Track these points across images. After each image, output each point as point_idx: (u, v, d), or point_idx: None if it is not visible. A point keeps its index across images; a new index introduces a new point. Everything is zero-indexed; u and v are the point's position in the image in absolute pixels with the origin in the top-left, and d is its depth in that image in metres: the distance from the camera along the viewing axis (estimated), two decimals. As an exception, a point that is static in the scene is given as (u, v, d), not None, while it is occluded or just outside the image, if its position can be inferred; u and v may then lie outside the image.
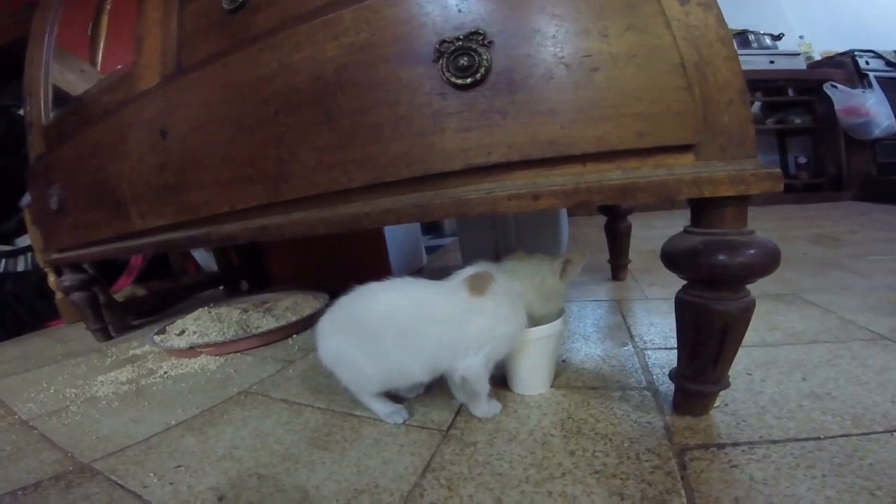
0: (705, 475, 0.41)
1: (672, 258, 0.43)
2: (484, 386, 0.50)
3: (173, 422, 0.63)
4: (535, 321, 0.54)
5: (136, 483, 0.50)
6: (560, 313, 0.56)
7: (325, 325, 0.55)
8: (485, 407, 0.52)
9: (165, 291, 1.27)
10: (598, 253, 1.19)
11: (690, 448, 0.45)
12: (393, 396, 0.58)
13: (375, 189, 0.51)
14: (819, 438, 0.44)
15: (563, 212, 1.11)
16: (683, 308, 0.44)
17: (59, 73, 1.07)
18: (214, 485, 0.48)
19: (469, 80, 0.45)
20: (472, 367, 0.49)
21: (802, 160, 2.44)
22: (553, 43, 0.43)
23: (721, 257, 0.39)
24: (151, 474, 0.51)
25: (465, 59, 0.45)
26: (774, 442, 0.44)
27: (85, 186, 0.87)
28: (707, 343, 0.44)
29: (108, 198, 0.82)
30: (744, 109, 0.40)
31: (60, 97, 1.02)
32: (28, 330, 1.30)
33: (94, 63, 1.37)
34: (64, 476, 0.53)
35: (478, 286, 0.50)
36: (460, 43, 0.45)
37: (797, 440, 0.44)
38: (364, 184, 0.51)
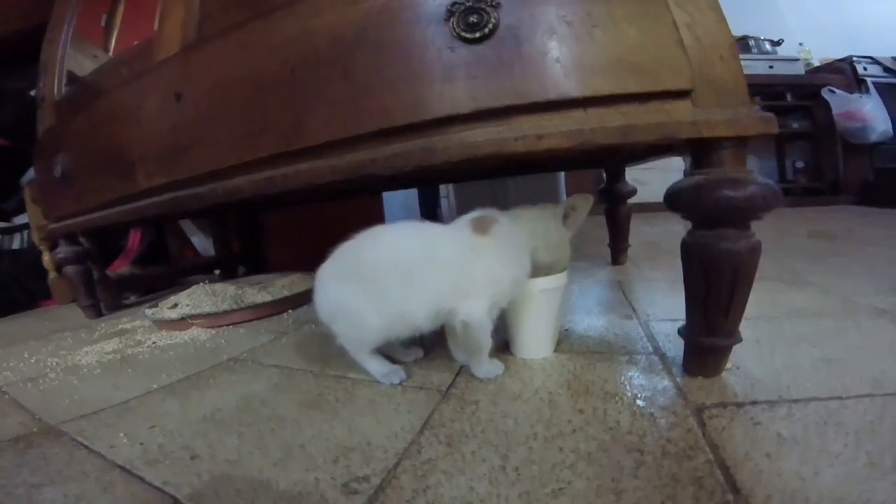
0: (727, 432, 0.35)
1: (675, 196, 0.41)
2: (486, 338, 0.45)
3: (155, 386, 0.56)
4: (540, 274, 0.48)
5: (102, 444, 0.42)
6: (564, 270, 0.51)
7: (324, 272, 0.50)
8: (486, 367, 0.46)
9: (161, 274, 1.19)
10: (597, 244, 1.15)
11: (707, 407, 0.39)
12: (390, 360, 0.51)
13: (384, 135, 0.48)
14: (841, 398, 0.39)
15: (563, 195, 1.07)
16: (690, 253, 0.41)
17: (73, 58, 1.04)
18: (189, 444, 0.40)
19: (478, 35, 0.45)
20: (475, 312, 0.43)
21: (800, 165, 2.35)
22: (556, 4, 0.44)
23: (725, 191, 0.37)
24: (122, 434, 0.44)
25: (475, 16, 0.45)
26: (795, 401, 0.39)
27: (92, 153, 0.83)
28: (717, 288, 0.40)
29: (115, 162, 0.78)
30: (735, 63, 0.40)
31: (72, 81, 0.98)
32: (21, 309, 1.21)
33: (107, 52, 1.33)
34: (25, 437, 0.45)
35: (482, 227, 0.46)
36: (470, 4, 0.44)
37: (819, 399, 0.39)
38: (374, 129, 0.49)
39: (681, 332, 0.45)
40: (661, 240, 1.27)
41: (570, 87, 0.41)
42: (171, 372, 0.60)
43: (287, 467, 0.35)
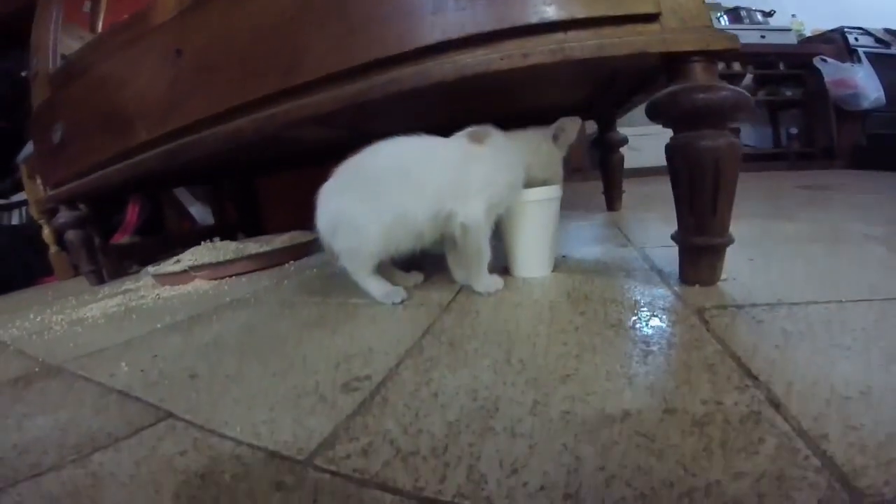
0: (731, 329, 0.33)
1: (655, 104, 0.41)
2: (485, 244, 0.43)
3: (159, 326, 0.53)
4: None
5: (103, 374, 0.40)
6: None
7: (326, 189, 0.48)
8: (486, 280, 0.44)
9: (161, 242, 1.14)
10: (593, 198, 1.11)
11: (707, 308, 0.37)
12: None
13: (380, 65, 0.48)
14: (841, 301, 0.36)
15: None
16: (675, 153, 0.41)
17: (63, 42, 0.98)
18: (189, 366, 0.38)
19: (466, -28, 0.44)
20: (473, 213, 0.42)
21: (794, 131, 2.24)
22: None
23: (700, 95, 0.38)
24: (123, 364, 0.41)
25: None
26: (794, 304, 0.37)
27: (90, 117, 0.79)
28: (701, 183, 0.39)
29: (114, 121, 0.75)
30: None
31: (65, 58, 0.92)
32: (21, 286, 1.15)
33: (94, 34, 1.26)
34: (25, 377, 0.43)
35: (477, 138, 0.46)
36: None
37: (818, 303, 0.37)
38: (371, 59, 0.48)
39: (674, 237, 0.42)
40: (654, 194, 1.23)
41: (551, 13, 0.42)
42: (174, 315, 0.57)
43: (286, 376, 0.33)
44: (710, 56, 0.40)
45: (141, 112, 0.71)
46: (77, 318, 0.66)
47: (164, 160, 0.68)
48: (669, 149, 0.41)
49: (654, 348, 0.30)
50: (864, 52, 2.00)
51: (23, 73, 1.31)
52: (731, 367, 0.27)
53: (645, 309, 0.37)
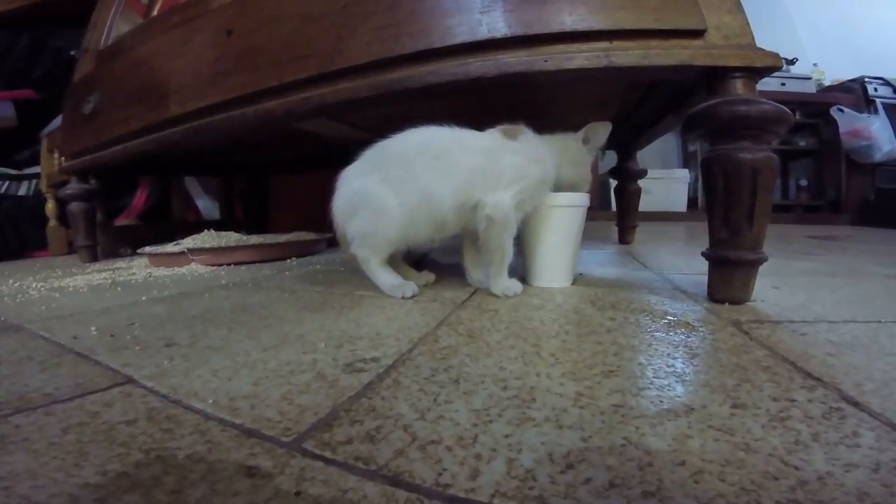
0: (775, 338, 0.29)
1: (695, 115, 0.39)
2: (509, 241, 0.39)
3: (144, 298, 0.47)
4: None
5: (65, 336, 0.34)
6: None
7: (348, 170, 0.44)
8: (505, 282, 0.40)
9: (162, 229, 1.07)
10: (605, 232, 1.08)
11: (744, 322, 0.33)
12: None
13: (423, 56, 0.47)
14: (881, 321, 0.33)
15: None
16: (712, 165, 0.38)
17: (120, 27, 0.99)
18: (168, 335, 0.32)
19: (515, -26, 0.44)
20: (502, 203, 0.38)
21: (803, 183, 2.12)
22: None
23: (741, 108, 0.36)
24: (92, 328, 0.35)
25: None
26: (833, 322, 0.33)
27: (127, 88, 0.77)
28: (739, 195, 0.37)
29: (149, 93, 0.72)
30: (741, 16, 0.41)
31: None
32: (11, 257, 1.07)
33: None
34: None
35: (510, 134, 0.43)
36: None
37: (856, 321, 0.33)
38: (415, 50, 0.46)
39: (705, 253, 0.39)
40: (666, 232, 1.22)
41: (596, 22, 0.41)
42: (163, 290, 0.51)
43: (280, 351, 0.28)
44: (751, 72, 0.39)
45: (178, 86, 0.69)
46: (58, 286, 0.59)
47: (189, 136, 0.65)
48: (706, 161, 0.38)
49: (700, 352, 0.26)
50: (882, 103, 1.86)
51: (71, 52, 1.31)
52: (788, 370, 0.23)
53: (678, 319, 0.33)
